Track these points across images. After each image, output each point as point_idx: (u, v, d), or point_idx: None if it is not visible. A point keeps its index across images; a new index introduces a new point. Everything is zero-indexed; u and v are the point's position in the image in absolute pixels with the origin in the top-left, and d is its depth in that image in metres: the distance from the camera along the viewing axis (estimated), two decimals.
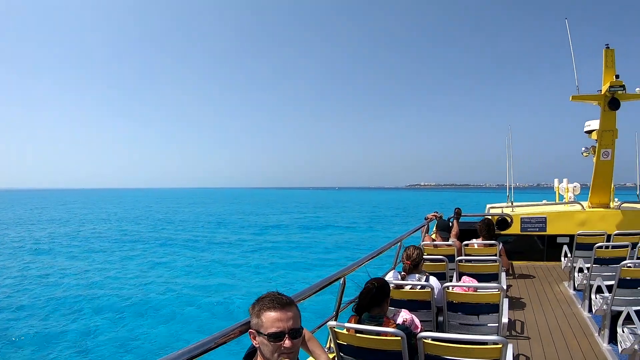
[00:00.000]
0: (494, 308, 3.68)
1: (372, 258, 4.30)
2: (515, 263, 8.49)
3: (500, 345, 2.40)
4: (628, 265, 4.56)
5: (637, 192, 11.42)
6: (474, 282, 4.16)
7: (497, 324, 3.72)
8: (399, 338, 2.51)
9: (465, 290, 3.83)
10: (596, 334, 4.82)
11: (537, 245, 8.95)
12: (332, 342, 2.80)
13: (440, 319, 3.92)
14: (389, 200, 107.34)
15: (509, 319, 5.25)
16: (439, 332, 3.62)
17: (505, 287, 5.12)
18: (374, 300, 2.87)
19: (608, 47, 7.87)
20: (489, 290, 3.77)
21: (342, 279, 3.38)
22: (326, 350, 2.91)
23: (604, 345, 4.49)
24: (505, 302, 4.26)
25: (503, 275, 5.32)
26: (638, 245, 5.72)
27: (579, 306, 5.81)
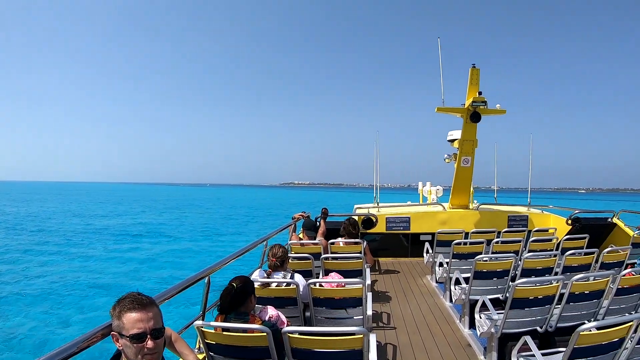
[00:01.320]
0: (359, 302, 3.79)
1: (236, 257, 4.23)
2: (381, 259, 8.93)
3: (361, 336, 2.48)
4: (484, 259, 4.99)
5: (495, 195, 12.60)
6: (340, 278, 4.23)
7: (362, 317, 3.84)
8: (265, 334, 2.53)
9: (330, 286, 3.87)
10: (457, 321, 5.21)
11: (402, 243, 9.47)
12: (201, 342, 2.74)
13: (308, 314, 3.96)
14: (253, 199, 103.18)
15: (376, 312, 5.44)
16: (307, 326, 3.69)
17: (369, 282, 5.28)
18: (237, 299, 2.84)
19: (474, 67, 8.45)
20: (352, 285, 3.87)
21: (206, 278, 3.33)
22: (196, 350, 2.91)
23: (465, 331, 4.87)
24: (370, 295, 4.43)
25: (367, 271, 5.52)
26: (492, 241, 6.27)
27: (441, 297, 6.24)
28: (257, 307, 3.37)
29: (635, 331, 2.83)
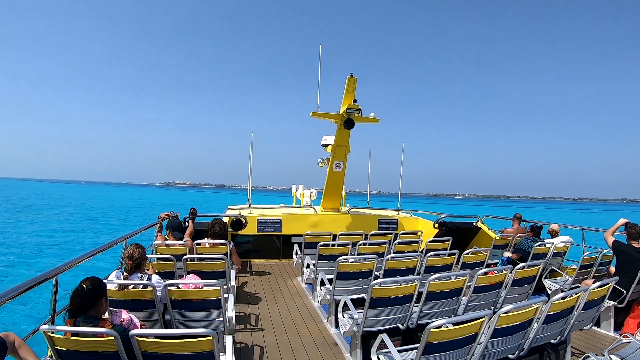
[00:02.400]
0: (217, 303, 3.74)
1: (89, 257, 4.02)
2: (253, 261, 8.97)
3: (210, 337, 2.45)
4: (351, 260, 5.14)
5: (368, 200, 13.06)
6: (196, 280, 4.17)
7: (222, 319, 3.79)
8: (113, 338, 2.41)
9: (187, 287, 3.81)
10: (325, 321, 5.33)
11: (274, 244, 9.56)
12: (50, 348, 2.55)
13: (168, 317, 3.83)
14: (130, 199, 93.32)
15: (244, 314, 5.44)
16: (157, 329, 3.55)
17: (234, 283, 5.24)
18: (86, 302, 2.67)
19: (352, 75, 8.59)
20: (210, 287, 3.81)
21: (54, 279, 3.11)
22: (48, 358, 2.71)
23: (332, 330, 4.99)
24: (231, 297, 4.41)
25: (233, 272, 5.52)
26: (358, 243, 6.50)
27: (310, 298, 6.37)
28: (111, 310, 3.22)
29: (488, 326, 3.04)
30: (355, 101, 8.66)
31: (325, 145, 10.64)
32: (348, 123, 8.85)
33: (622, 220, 5.88)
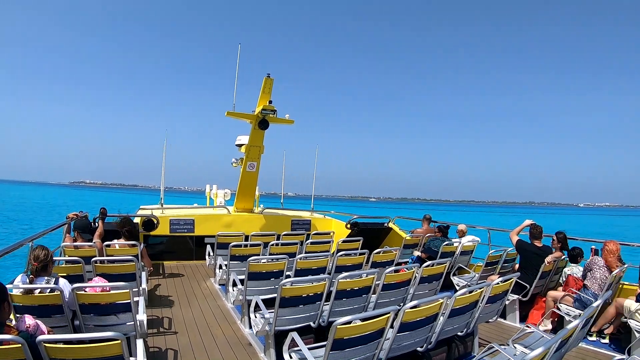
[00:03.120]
0: (127, 307, 3.65)
1: None
2: (166, 263, 8.76)
3: (119, 341, 2.43)
4: (263, 261, 5.18)
5: (281, 200, 13.09)
6: (104, 282, 4.01)
7: (133, 322, 3.70)
8: (20, 345, 2.32)
9: (95, 291, 3.66)
10: (238, 322, 5.35)
11: (187, 245, 9.40)
12: None
13: (77, 322, 3.68)
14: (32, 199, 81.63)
15: (157, 317, 5.34)
16: (65, 334, 3.39)
17: (144, 286, 5.13)
18: None
19: (269, 76, 8.60)
20: (118, 289, 3.70)
21: None
22: None
23: (246, 330, 5.02)
24: (142, 300, 4.34)
25: (143, 274, 5.41)
26: (270, 243, 6.55)
27: (223, 299, 6.34)
28: (17, 316, 3.09)
29: (394, 321, 3.18)
30: (270, 102, 8.71)
31: (240, 145, 10.57)
32: (262, 123, 8.91)
33: (528, 222, 6.39)
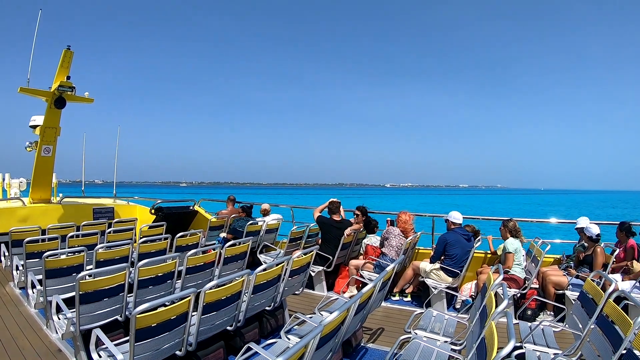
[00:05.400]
0: None
1: None
2: None
3: None
4: (62, 256, 4.86)
5: (82, 188, 12.24)
6: None
7: None
8: None
9: None
10: (44, 327, 4.87)
11: None
12: None
13: None
14: None
15: None
16: None
17: None
18: None
19: (69, 49, 7.94)
20: None
21: None
22: None
23: (53, 335, 4.59)
24: None
25: None
26: (68, 236, 6.12)
27: (25, 304, 5.72)
28: None
29: (196, 304, 3.24)
30: (69, 78, 8.10)
31: (34, 127, 9.50)
32: (59, 102, 8.29)
33: (330, 200, 6.97)
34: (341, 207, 7.02)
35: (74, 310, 3.73)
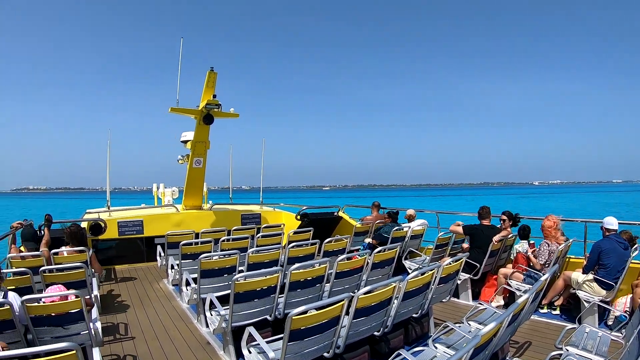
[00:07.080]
0: (80, 315, 3.54)
1: None
2: (117, 267, 8.59)
3: (73, 352, 2.34)
4: (215, 258, 5.16)
5: (230, 195, 12.94)
6: (57, 292, 3.90)
7: (87, 332, 3.62)
8: None
9: (46, 301, 3.55)
10: (195, 321, 5.30)
11: (137, 247, 9.21)
12: None
13: (30, 336, 3.52)
14: None
15: (112, 324, 5.25)
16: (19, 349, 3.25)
17: (96, 292, 5.02)
18: None
19: (212, 70, 8.50)
20: (71, 298, 3.60)
21: None
22: None
23: (203, 329, 4.99)
24: (95, 307, 4.23)
25: (94, 280, 5.30)
26: (221, 239, 6.52)
27: (178, 299, 6.26)
28: None
29: (349, 308, 3.26)
30: (215, 96, 8.61)
31: (185, 142, 10.46)
32: (207, 118, 8.82)
33: (458, 222, 6.82)
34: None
35: (227, 307, 3.96)
